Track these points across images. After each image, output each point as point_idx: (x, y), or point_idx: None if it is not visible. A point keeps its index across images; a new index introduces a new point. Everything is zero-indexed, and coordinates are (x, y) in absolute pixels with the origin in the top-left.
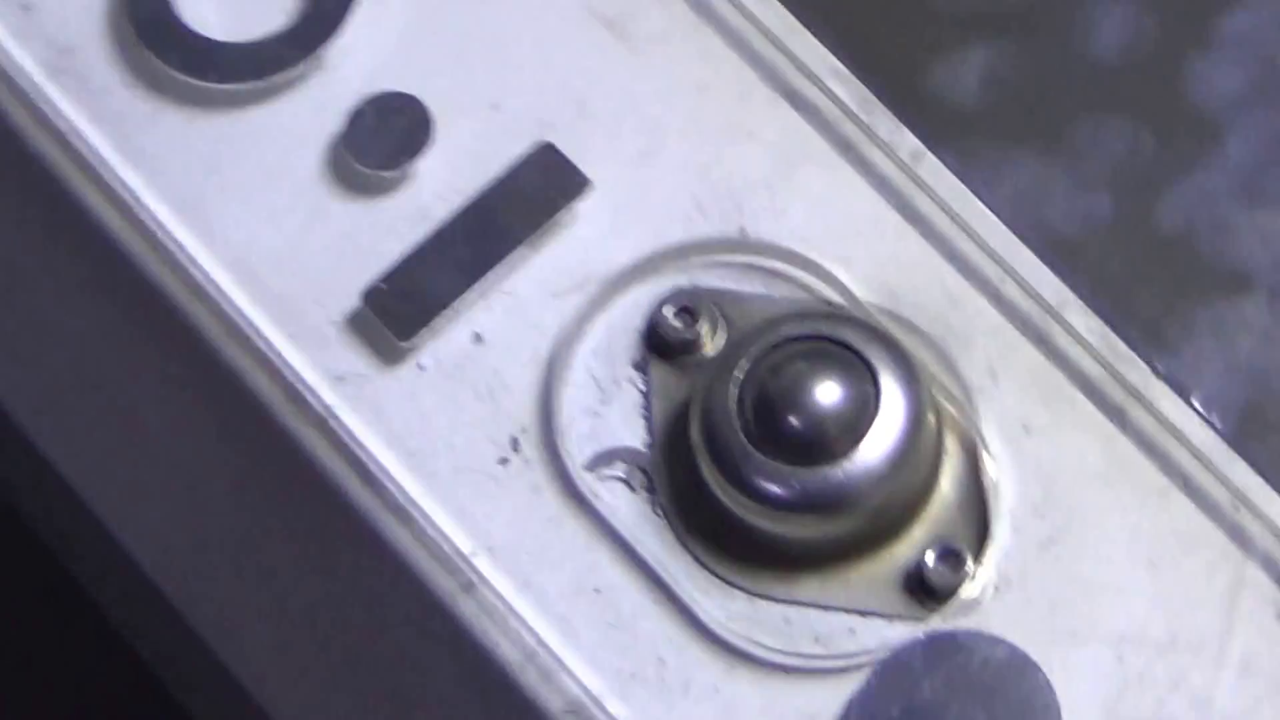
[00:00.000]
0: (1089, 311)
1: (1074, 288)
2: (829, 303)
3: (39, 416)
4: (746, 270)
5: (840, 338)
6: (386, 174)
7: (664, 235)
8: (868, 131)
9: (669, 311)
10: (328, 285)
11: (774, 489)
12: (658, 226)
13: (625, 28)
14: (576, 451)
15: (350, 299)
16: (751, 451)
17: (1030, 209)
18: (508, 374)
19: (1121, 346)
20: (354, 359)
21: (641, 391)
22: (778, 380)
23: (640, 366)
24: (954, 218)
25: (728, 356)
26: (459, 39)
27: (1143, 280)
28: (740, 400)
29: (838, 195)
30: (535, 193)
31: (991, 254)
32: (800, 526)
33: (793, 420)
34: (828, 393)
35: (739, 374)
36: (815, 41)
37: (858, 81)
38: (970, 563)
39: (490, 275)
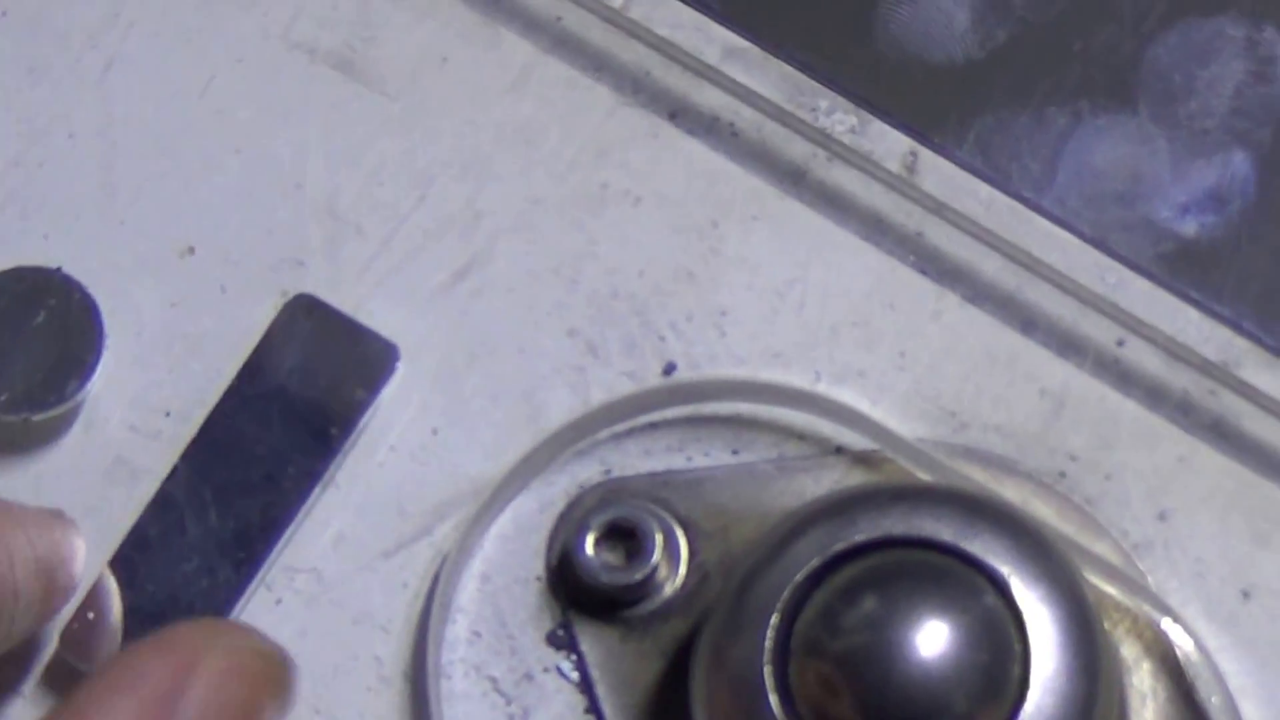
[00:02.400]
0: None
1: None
2: (863, 459)
3: None
4: (693, 430)
5: (922, 535)
6: (39, 416)
7: (542, 405)
8: (817, 138)
9: (589, 540)
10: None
11: None
12: (527, 392)
13: (354, 63)
14: None
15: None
16: None
17: (1115, 200)
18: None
19: None
20: None
21: (577, 686)
22: (846, 636)
23: (562, 642)
24: (1003, 250)
25: (735, 594)
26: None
27: None
28: (780, 679)
29: (803, 259)
30: (305, 393)
31: (1085, 296)
32: None
33: (895, 704)
34: (937, 641)
35: (767, 633)
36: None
37: (771, 57)
38: None
39: (270, 552)
